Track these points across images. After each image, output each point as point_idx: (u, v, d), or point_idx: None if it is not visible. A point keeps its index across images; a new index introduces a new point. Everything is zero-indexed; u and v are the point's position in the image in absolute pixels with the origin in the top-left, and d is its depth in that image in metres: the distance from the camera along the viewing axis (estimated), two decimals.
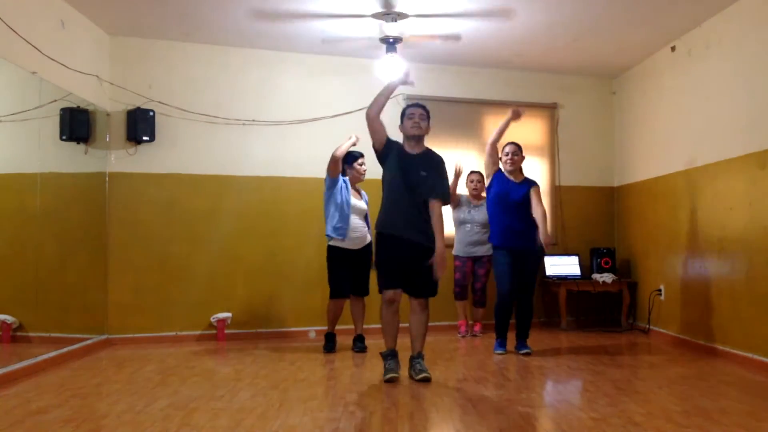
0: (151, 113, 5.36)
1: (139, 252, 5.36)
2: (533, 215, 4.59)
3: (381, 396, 3.45)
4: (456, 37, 5.28)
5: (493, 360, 4.52)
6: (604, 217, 6.49)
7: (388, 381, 3.73)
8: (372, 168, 4.34)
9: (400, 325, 3.92)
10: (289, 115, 5.73)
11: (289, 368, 4.21)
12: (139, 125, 5.29)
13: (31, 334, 4.47)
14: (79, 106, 4.84)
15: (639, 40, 5.40)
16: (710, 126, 4.87)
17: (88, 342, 4.91)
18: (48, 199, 4.53)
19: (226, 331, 5.44)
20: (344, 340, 4.97)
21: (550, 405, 3.41)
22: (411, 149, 3.91)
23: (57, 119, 4.67)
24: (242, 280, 5.57)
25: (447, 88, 6.12)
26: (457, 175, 5.38)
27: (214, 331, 5.45)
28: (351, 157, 4.87)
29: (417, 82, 5.78)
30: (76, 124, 4.83)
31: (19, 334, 4.38)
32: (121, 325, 5.27)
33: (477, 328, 5.67)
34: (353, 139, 4.81)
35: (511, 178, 4.71)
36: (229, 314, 5.47)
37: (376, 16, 4.85)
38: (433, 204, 3.80)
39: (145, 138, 5.32)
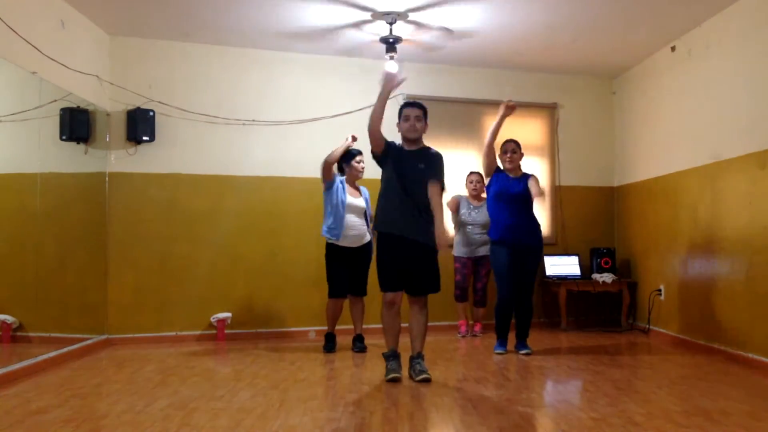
0: (151, 113, 5.36)
1: (139, 252, 5.36)
2: (531, 193, 4.57)
3: (381, 396, 3.45)
4: (450, 31, 5.22)
5: (493, 360, 4.52)
6: (604, 217, 6.49)
7: (390, 381, 3.73)
8: (371, 166, 4.33)
9: (402, 325, 3.92)
10: (289, 115, 5.73)
11: (289, 368, 4.21)
12: (139, 125, 5.29)
13: (31, 334, 4.47)
14: (79, 106, 4.84)
15: (639, 40, 5.40)
16: (710, 126, 4.87)
17: (88, 342, 4.91)
18: (48, 199, 4.53)
19: (226, 331, 5.44)
20: (344, 340, 4.97)
21: (550, 405, 3.41)
22: (409, 147, 3.93)
23: (57, 119, 4.67)
24: (242, 280, 5.57)
25: (447, 88, 6.12)
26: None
27: (214, 331, 5.45)
28: (349, 155, 4.87)
29: (417, 82, 5.88)
30: (76, 124, 4.83)
31: (19, 334, 4.38)
32: (121, 325, 5.27)
33: (477, 328, 5.67)
34: (348, 141, 4.80)
35: (510, 175, 4.72)
36: (229, 314, 5.48)
37: (375, 16, 4.85)
38: (432, 186, 3.80)
39: (145, 138, 5.32)
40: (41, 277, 4.47)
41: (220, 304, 5.49)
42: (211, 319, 5.44)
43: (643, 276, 5.95)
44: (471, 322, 5.71)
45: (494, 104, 6.17)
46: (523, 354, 4.64)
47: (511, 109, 4.50)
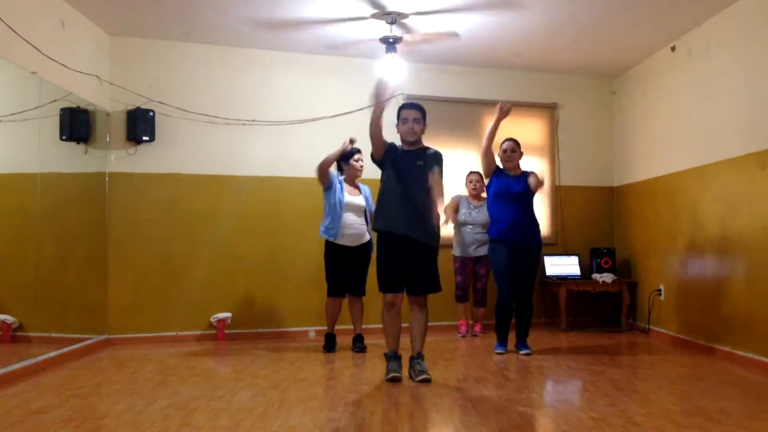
0: (151, 113, 5.36)
1: (139, 252, 5.36)
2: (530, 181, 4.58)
3: (381, 396, 3.45)
4: (454, 35, 5.25)
5: (493, 360, 4.52)
6: (604, 217, 6.49)
7: (390, 381, 3.73)
8: (371, 165, 4.32)
9: (403, 325, 3.92)
10: (289, 115, 5.73)
11: (289, 368, 4.21)
12: (139, 125, 5.29)
13: (31, 334, 4.47)
14: (79, 106, 4.84)
15: (639, 40, 5.40)
16: (710, 126, 4.87)
17: (88, 342, 4.91)
18: (48, 199, 4.53)
19: (226, 331, 5.44)
20: (344, 340, 4.97)
21: (550, 405, 3.41)
22: (408, 148, 3.93)
23: (57, 119, 4.67)
24: (242, 280, 5.57)
25: (447, 88, 6.12)
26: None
27: (214, 331, 5.45)
28: (347, 154, 4.87)
29: (417, 82, 5.88)
30: (76, 124, 4.83)
31: (19, 334, 4.38)
32: (121, 325, 5.27)
33: (477, 328, 5.67)
34: (345, 145, 4.79)
35: (510, 174, 4.72)
36: (229, 314, 5.48)
37: (375, 16, 4.85)
38: (432, 174, 3.77)
39: (145, 138, 5.32)
40: (41, 277, 4.47)
41: (220, 304, 5.49)
42: (211, 319, 5.44)
43: (643, 276, 5.95)
44: (471, 323, 5.71)
45: (494, 104, 6.20)
46: (523, 354, 4.64)
47: (506, 112, 4.48)
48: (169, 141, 5.46)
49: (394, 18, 4.85)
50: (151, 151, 5.43)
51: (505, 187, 4.65)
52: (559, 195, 6.38)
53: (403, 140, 3.94)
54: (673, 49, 5.41)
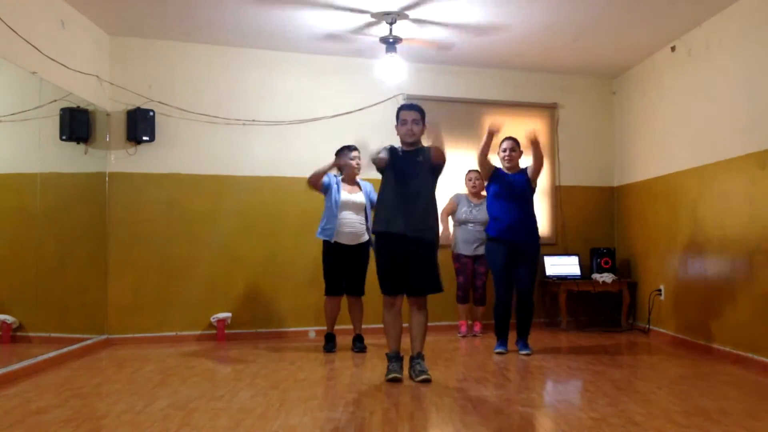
0: (151, 113, 5.36)
1: (139, 252, 5.36)
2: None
3: (381, 396, 3.45)
4: (449, 47, 5.30)
5: (493, 360, 4.52)
6: (604, 217, 6.48)
7: (390, 381, 3.73)
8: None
9: (403, 325, 3.92)
10: (289, 115, 5.73)
11: (289, 368, 4.21)
12: (139, 125, 5.29)
13: (31, 334, 4.47)
14: (79, 106, 4.84)
15: (639, 40, 5.40)
16: (710, 126, 4.87)
17: (88, 342, 4.91)
18: (48, 199, 4.53)
19: (226, 331, 5.44)
20: (344, 340, 4.97)
21: (550, 405, 3.42)
22: (407, 148, 3.94)
23: (57, 119, 4.67)
24: (242, 280, 5.57)
25: (447, 88, 6.12)
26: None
27: (214, 331, 5.45)
28: (344, 152, 4.87)
29: (417, 82, 5.87)
30: (76, 124, 4.83)
31: (19, 334, 4.38)
32: (121, 325, 5.27)
33: (477, 328, 5.67)
34: (335, 162, 4.78)
35: (509, 173, 4.72)
36: (229, 314, 5.48)
37: (375, 16, 4.86)
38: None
39: (145, 138, 5.32)
40: (41, 277, 4.47)
41: (220, 304, 5.49)
42: (211, 319, 5.44)
43: (643, 276, 5.95)
44: (470, 323, 5.71)
45: (494, 104, 6.24)
46: (523, 354, 4.64)
47: (493, 133, 4.49)
48: (169, 141, 5.46)
49: (394, 18, 4.85)
50: (151, 151, 5.43)
51: (505, 186, 4.65)
52: (559, 195, 6.38)
53: (402, 141, 3.94)
54: (673, 49, 5.41)
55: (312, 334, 5.58)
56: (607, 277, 5.93)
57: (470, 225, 5.54)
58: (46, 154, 4.60)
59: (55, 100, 4.55)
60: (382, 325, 3.95)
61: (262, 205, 5.64)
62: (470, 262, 5.58)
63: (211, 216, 5.53)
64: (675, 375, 4.07)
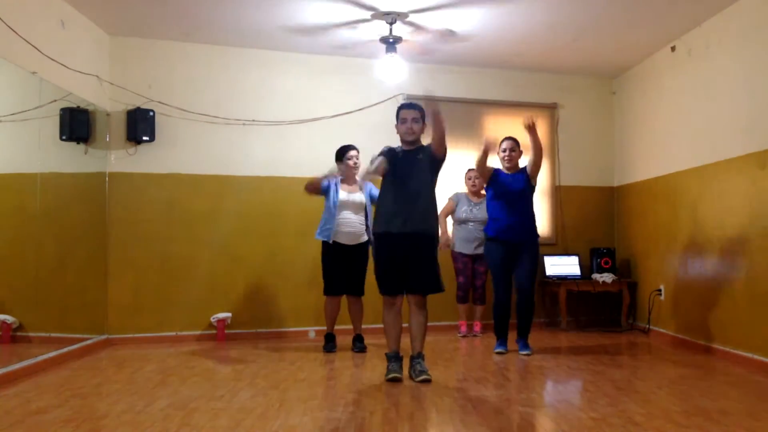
0: (151, 113, 5.36)
1: (139, 252, 5.36)
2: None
3: (381, 396, 3.45)
4: (452, 33, 5.24)
5: (493, 360, 4.52)
6: (604, 217, 6.48)
7: (390, 381, 3.73)
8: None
9: (403, 325, 3.92)
10: (289, 115, 5.73)
11: (289, 368, 4.21)
12: (139, 125, 5.29)
13: (31, 334, 4.47)
14: (79, 106, 4.84)
15: (639, 40, 5.40)
16: (710, 126, 4.87)
17: (88, 342, 4.91)
18: (48, 199, 4.53)
19: (226, 331, 5.44)
20: (344, 340, 4.97)
21: (550, 405, 3.41)
22: (407, 148, 3.93)
23: (57, 119, 4.67)
24: (242, 280, 5.57)
25: (447, 88, 6.12)
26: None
27: (214, 331, 5.45)
28: (342, 152, 4.87)
29: (417, 81, 5.87)
30: (76, 124, 4.83)
31: (19, 334, 4.38)
32: (121, 325, 5.27)
33: (477, 328, 5.67)
34: (328, 174, 4.66)
35: (509, 173, 4.72)
36: (229, 314, 5.48)
37: (375, 16, 4.86)
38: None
39: (145, 138, 5.32)
40: (41, 277, 4.47)
41: (220, 304, 5.49)
42: (211, 319, 5.44)
43: (643, 276, 5.95)
44: (470, 323, 5.71)
45: (494, 104, 6.24)
46: (523, 354, 4.64)
47: (487, 151, 4.54)
48: (169, 141, 5.46)
49: (394, 18, 4.85)
50: (151, 151, 5.43)
51: (505, 186, 4.65)
52: (559, 195, 6.38)
53: (402, 140, 3.94)
54: (673, 49, 5.41)
55: (312, 334, 5.58)
56: (607, 277, 5.93)
57: (470, 224, 5.54)
58: (46, 154, 4.60)
59: (55, 100, 4.55)
60: (382, 325, 3.95)
61: (262, 205, 5.64)
62: (470, 261, 5.58)
63: (211, 216, 5.53)
64: (675, 375, 4.07)
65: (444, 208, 5.53)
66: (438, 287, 3.85)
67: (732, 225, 4.57)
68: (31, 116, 4.30)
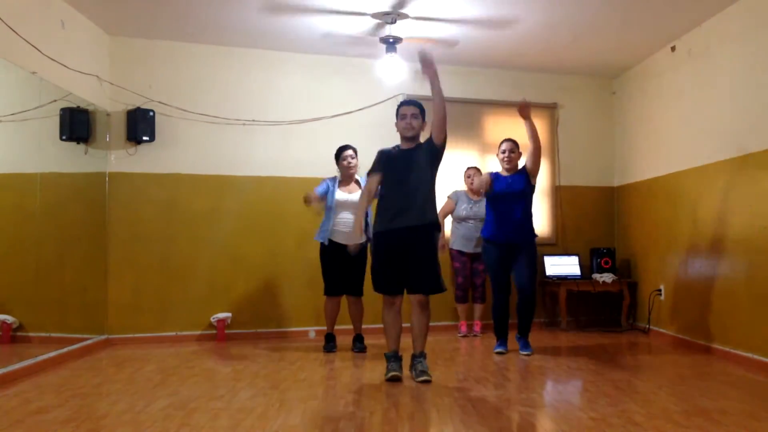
0: (151, 113, 5.36)
1: (139, 252, 5.36)
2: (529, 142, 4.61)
3: (381, 396, 3.45)
4: (454, 43, 5.30)
5: (493, 360, 4.52)
6: (604, 217, 6.48)
7: (390, 380, 3.73)
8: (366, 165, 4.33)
9: (404, 325, 3.92)
10: (290, 115, 5.73)
11: (289, 368, 4.21)
12: (139, 125, 5.29)
13: (31, 334, 4.48)
14: (79, 106, 4.84)
15: (639, 40, 5.40)
16: (710, 126, 4.87)
17: (88, 342, 4.91)
18: (48, 199, 4.53)
19: (226, 331, 5.44)
20: (344, 340, 4.98)
21: (550, 405, 3.41)
22: (406, 146, 3.93)
23: (57, 119, 4.67)
24: (242, 280, 5.57)
25: (447, 88, 5.94)
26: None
27: (214, 331, 5.45)
28: (337, 153, 4.88)
29: (417, 81, 5.86)
30: (76, 124, 4.83)
31: (19, 334, 4.38)
32: (121, 325, 5.27)
33: (477, 327, 5.67)
34: (312, 199, 4.67)
35: (507, 174, 4.72)
36: (229, 314, 5.48)
37: (376, 16, 4.86)
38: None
39: (145, 138, 5.32)
40: (41, 277, 4.47)
41: (220, 304, 5.49)
42: (211, 319, 5.44)
43: (643, 276, 5.95)
44: (470, 323, 5.71)
45: (494, 104, 6.24)
46: (524, 354, 4.63)
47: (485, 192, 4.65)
48: (169, 141, 5.46)
49: (394, 18, 4.85)
50: (151, 151, 5.43)
51: (504, 189, 4.64)
52: (559, 195, 6.38)
53: (402, 136, 3.93)
54: (673, 49, 5.41)
55: (312, 334, 5.58)
56: (607, 277, 5.93)
57: (470, 222, 5.53)
58: (46, 154, 4.60)
59: (55, 100, 4.55)
60: (382, 325, 3.95)
61: (262, 205, 5.64)
62: (468, 261, 5.59)
63: (212, 216, 5.53)
64: (675, 375, 4.07)
65: (443, 208, 5.52)
66: (439, 286, 3.83)
67: (732, 225, 4.57)
68: (31, 116, 4.30)
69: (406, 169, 3.82)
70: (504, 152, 4.73)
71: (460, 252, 5.58)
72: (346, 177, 4.87)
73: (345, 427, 2.84)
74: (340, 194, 4.79)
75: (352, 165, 4.81)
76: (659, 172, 5.63)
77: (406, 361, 3.90)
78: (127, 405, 3.22)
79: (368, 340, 4.92)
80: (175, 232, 5.44)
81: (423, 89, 5.90)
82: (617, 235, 6.45)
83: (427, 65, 3.75)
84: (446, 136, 3.86)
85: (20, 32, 3.92)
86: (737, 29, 4.58)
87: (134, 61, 5.44)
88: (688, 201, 5.13)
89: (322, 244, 4.81)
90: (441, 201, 5.13)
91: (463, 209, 5.58)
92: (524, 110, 4.53)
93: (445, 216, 5.59)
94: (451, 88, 6.08)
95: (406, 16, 4.87)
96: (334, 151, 4.92)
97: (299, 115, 5.75)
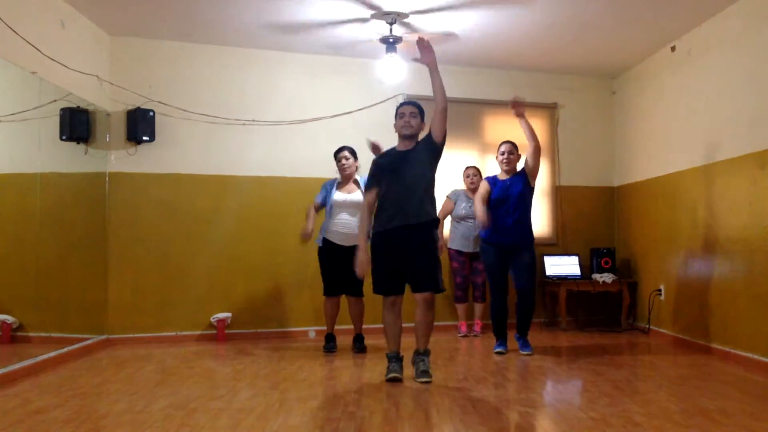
0: (151, 113, 5.36)
1: (139, 252, 5.36)
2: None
3: (381, 396, 3.45)
4: (454, 36, 5.27)
5: (493, 360, 4.52)
6: (604, 217, 6.48)
7: (390, 380, 3.73)
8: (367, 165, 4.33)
9: (404, 325, 3.92)
10: (290, 116, 5.73)
11: (289, 368, 4.21)
12: (139, 125, 5.29)
13: (31, 334, 4.48)
14: (79, 106, 4.84)
15: (639, 40, 5.40)
16: (710, 126, 4.87)
17: (88, 342, 4.91)
18: (48, 199, 4.53)
19: (226, 331, 5.44)
20: (344, 340, 4.97)
21: (550, 405, 3.41)
22: (404, 147, 3.91)
23: (57, 119, 4.67)
24: (242, 280, 5.57)
25: (447, 88, 6.00)
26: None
27: (214, 331, 5.45)
28: (334, 154, 4.88)
29: (417, 81, 5.87)
30: (76, 124, 4.83)
31: (19, 334, 4.38)
32: (121, 325, 5.27)
33: (477, 327, 5.67)
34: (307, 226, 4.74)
35: (506, 177, 4.71)
36: (229, 314, 5.48)
37: (375, 16, 4.86)
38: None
39: (145, 138, 5.32)
40: (41, 277, 4.47)
41: (220, 304, 5.49)
42: (211, 319, 5.44)
43: (643, 276, 5.95)
44: (470, 323, 5.71)
45: (494, 104, 6.23)
46: (524, 354, 4.64)
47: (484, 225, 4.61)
48: (169, 141, 5.46)
49: (394, 18, 4.85)
50: (151, 151, 5.43)
51: (502, 192, 4.64)
52: (559, 195, 6.38)
53: (400, 135, 3.92)
54: (673, 49, 5.41)
55: (312, 334, 5.58)
56: (607, 277, 5.93)
57: (470, 221, 5.53)
58: (46, 154, 4.60)
59: (55, 100, 4.55)
60: (382, 325, 3.94)
61: (262, 205, 5.64)
62: (467, 260, 5.59)
63: (211, 216, 5.53)
64: (675, 375, 4.07)
65: (443, 208, 5.52)
66: (437, 283, 3.79)
67: (732, 225, 4.57)
68: (31, 116, 4.30)
69: (403, 170, 3.81)
70: (503, 154, 4.72)
71: (458, 252, 5.58)
72: (344, 178, 4.88)
73: (345, 427, 2.84)
74: (339, 195, 4.79)
75: (347, 166, 4.81)
76: (659, 172, 5.63)
77: (407, 362, 3.90)
78: (126, 405, 3.22)
79: (368, 340, 4.92)
80: (175, 232, 5.44)
81: (423, 89, 5.91)
82: (617, 235, 6.45)
83: (426, 52, 3.74)
84: (446, 133, 3.84)
85: (20, 32, 3.92)
86: (737, 29, 4.58)
87: (134, 61, 5.44)
88: (688, 201, 5.14)
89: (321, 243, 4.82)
90: (441, 201, 5.14)
91: (462, 208, 5.58)
92: (517, 108, 4.52)
93: (444, 216, 5.59)
94: (451, 88, 6.03)
95: (406, 16, 4.86)
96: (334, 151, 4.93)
97: (299, 115, 5.75)
